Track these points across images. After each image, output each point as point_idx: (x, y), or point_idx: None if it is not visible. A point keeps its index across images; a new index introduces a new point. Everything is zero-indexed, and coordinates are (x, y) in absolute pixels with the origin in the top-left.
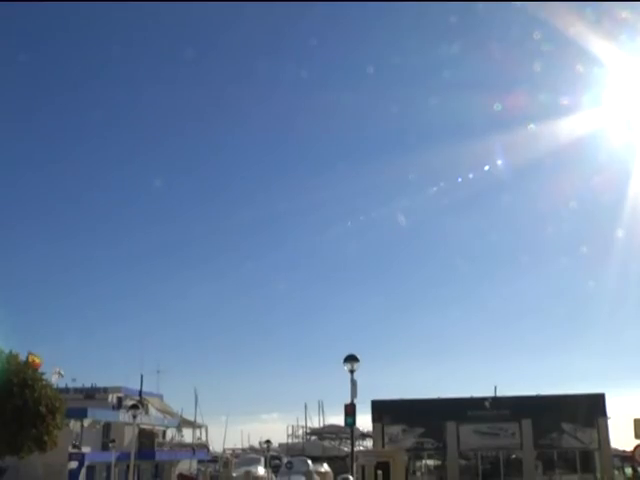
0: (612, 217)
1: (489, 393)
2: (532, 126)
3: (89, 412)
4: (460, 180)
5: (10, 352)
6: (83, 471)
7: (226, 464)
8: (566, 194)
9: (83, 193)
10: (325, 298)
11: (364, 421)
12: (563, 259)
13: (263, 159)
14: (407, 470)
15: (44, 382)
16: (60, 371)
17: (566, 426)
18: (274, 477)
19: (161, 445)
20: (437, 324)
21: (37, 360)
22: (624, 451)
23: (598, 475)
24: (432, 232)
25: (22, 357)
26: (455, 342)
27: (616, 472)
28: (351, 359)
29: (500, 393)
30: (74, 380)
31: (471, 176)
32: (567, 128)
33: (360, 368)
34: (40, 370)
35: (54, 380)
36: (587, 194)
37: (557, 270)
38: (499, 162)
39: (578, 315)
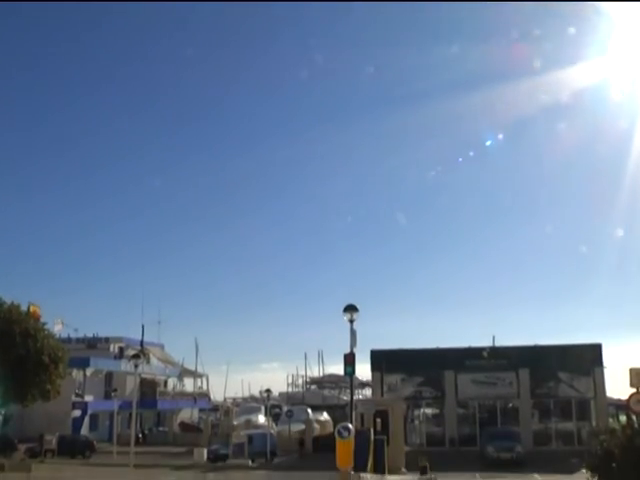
0: (616, 169)
1: (487, 343)
2: (536, 77)
3: (91, 362)
4: (462, 133)
5: (12, 303)
6: (86, 419)
7: (227, 413)
8: (570, 146)
9: (83, 140)
10: (325, 248)
11: (363, 370)
12: (564, 211)
13: (261, 111)
14: (405, 418)
15: (46, 332)
16: (62, 321)
17: (563, 375)
18: (274, 425)
19: (163, 394)
20: (437, 274)
21: (38, 310)
22: (619, 400)
23: (593, 423)
24: (431, 184)
25: (23, 308)
26: (454, 292)
27: (611, 420)
28: (350, 309)
29: (498, 343)
30: (76, 330)
31: (473, 129)
32: (572, 78)
33: (359, 318)
34: (42, 320)
35: (56, 330)
36: (592, 145)
37: (557, 221)
38: (501, 114)
39: (577, 266)
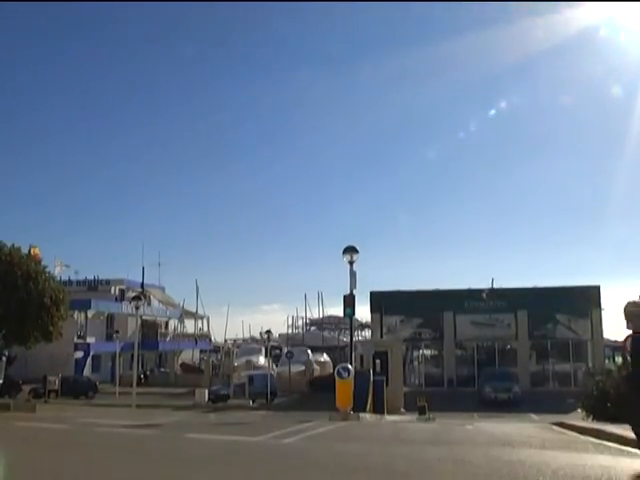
0: (623, 111)
1: (486, 285)
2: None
3: (92, 304)
4: (462, 72)
5: (12, 245)
6: (88, 361)
7: (228, 354)
8: (576, 85)
9: (83, 84)
10: (325, 189)
11: (363, 312)
12: (565, 152)
13: (258, 51)
14: (405, 360)
15: (47, 274)
16: (62, 263)
17: (561, 317)
18: (275, 366)
19: (164, 336)
20: (436, 216)
21: (38, 253)
22: (615, 341)
23: (590, 364)
24: (432, 123)
25: (24, 251)
26: (454, 234)
27: (607, 361)
28: (350, 250)
29: (497, 285)
30: (77, 273)
31: (475, 68)
32: (577, 17)
33: (359, 260)
34: (42, 263)
35: (57, 272)
36: (598, 86)
37: (557, 163)
38: (506, 53)
39: (577, 207)
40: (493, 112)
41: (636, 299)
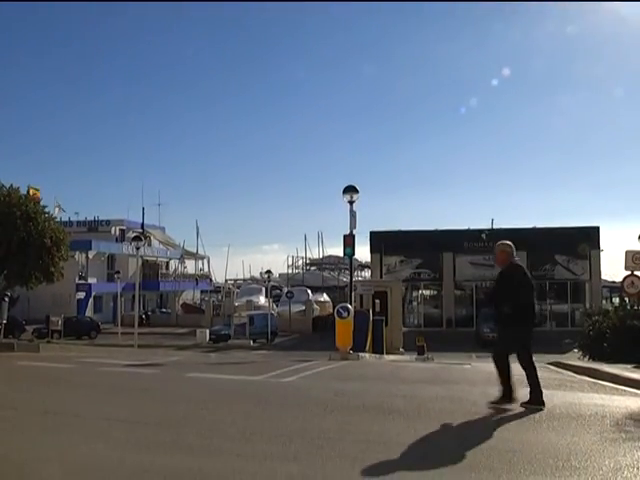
0: (620, 52)
1: (486, 225)
2: None
3: (93, 244)
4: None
5: (11, 186)
6: (90, 301)
7: (228, 294)
8: (576, 31)
9: (81, 31)
10: (325, 128)
11: (363, 252)
12: (565, 93)
13: None
14: (404, 300)
15: (47, 215)
16: (60, 205)
17: (560, 258)
18: (275, 306)
19: (165, 276)
20: (437, 156)
21: (37, 193)
22: (613, 282)
23: (587, 305)
24: (435, 63)
25: (23, 191)
26: (453, 174)
27: (604, 302)
28: (350, 190)
29: (496, 225)
30: (77, 214)
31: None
32: None
33: (359, 200)
34: (41, 204)
35: (56, 214)
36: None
37: (558, 104)
38: None
39: (577, 149)
40: (494, 53)
41: (507, 241)
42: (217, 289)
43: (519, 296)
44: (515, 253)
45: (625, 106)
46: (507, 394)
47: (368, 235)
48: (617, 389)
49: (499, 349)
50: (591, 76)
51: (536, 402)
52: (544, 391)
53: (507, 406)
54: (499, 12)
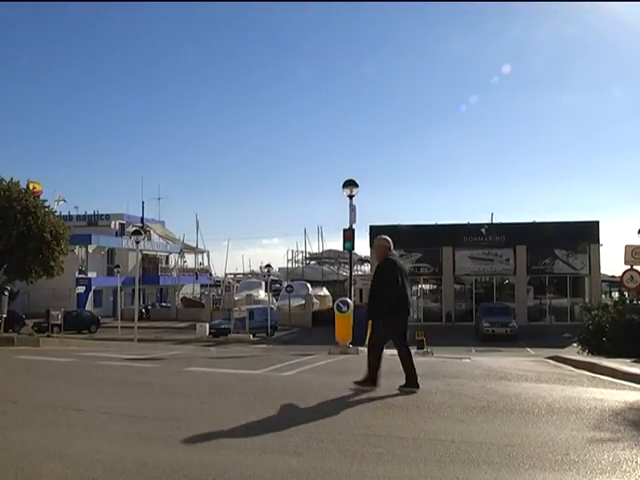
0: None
1: (486, 220)
2: None
3: (93, 238)
4: None
5: (11, 180)
6: (90, 295)
7: (228, 288)
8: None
9: (83, 23)
10: (325, 122)
11: (362, 246)
12: (566, 86)
13: None
14: None
15: (47, 209)
16: (62, 198)
17: (559, 252)
18: (275, 300)
19: (164, 270)
20: (437, 151)
21: (37, 187)
22: (613, 276)
23: (586, 299)
24: (436, 61)
25: (22, 185)
26: (453, 169)
27: (603, 296)
28: (350, 184)
29: (496, 220)
30: (76, 208)
31: None
32: None
33: (359, 194)
34: (41, 198)
35: (56, 207)
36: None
37: (558, 98)
38: None
39: (576, 143)
40: (494, 44)
41: (385, 236)
42: (217, 283)
43: (394, 288)
44: (392, 247)
45: (624, 102)
46: (373, 379)
47: (368, 229)
48: (616, 383)
49: (377, 339)
50: (591, 73)
51: (412, 385)
52: (544, 385)
53: (368, 388)
54: (499, 12)
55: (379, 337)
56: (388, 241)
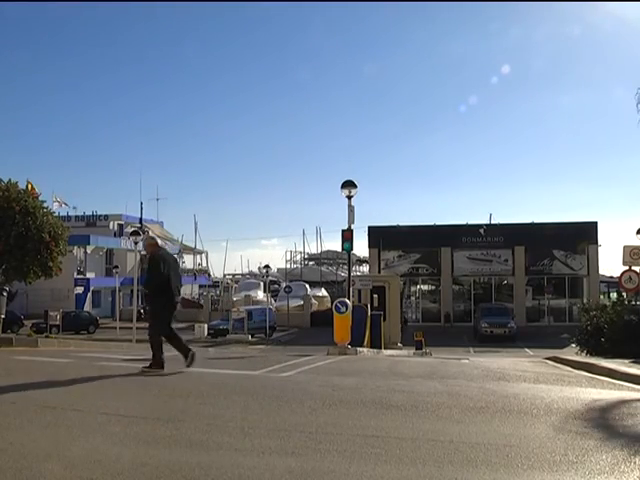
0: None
1: (484, 220)
2: None
3: (91, 239)
4: None
5: (9, 180)
6: (89, 296)
7: (226, 289)
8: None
9: (80, 15)
10: (324, 123)
11: (361, 247)
12: (565, 87)
13: None
14: (402, 295)
15: (45, 210)
16: (60, 199)
17: (558, 253)
18: (273, 301)
19: None
20: (436, 152)
21: (35, 188)
22: (611, 277)
23: (585, 300)
24: (436, 61)
25: (21, 186)
26: (452, 169)
27: (602, 297)
28: (348, 185)
29: (495, 221)
30: (75, 208)
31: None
32: None
33: (358, 195)
34: (40, 198)
35: (55, 208)
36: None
37: (558, 97)
38: None
39: (575, 144)
40: (493, 46)
41: (153, 235)
42: (215, 284)
43: (157, 278)
44: (160, 244)
45: (624, 102)
46: (159, 363)
47: (366, 230)
48: (614, 384)
49: (152, 326)
50: (591, 73)
51: (156, 366)
52: (542, 386)
53: (157, 371)
54: (499, 12)
55: (162, 326)
56: (155, 239)
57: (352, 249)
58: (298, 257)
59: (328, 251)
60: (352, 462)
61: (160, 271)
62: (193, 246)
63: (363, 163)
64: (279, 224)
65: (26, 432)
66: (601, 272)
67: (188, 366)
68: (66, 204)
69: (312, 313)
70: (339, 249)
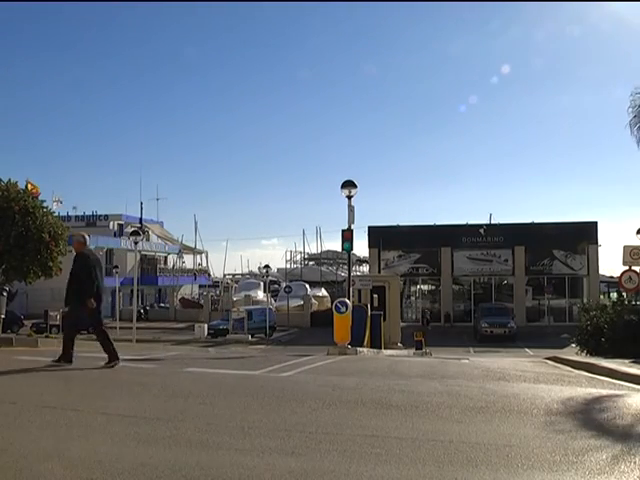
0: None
1: (484, 220)
2: None
3: (91, 239)
4: None
5: (9, 180)
6: None
7: (226, 289)
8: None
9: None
10: (324, 123)
11: (361, 247)
12: (565, 87)
13: None
14: (402, 294)
15: (45, 209)
16: (59, 199)
17: (558, 253)
18: (273, 301)
19: (163, 271)
20: (435, 151)
21: (36, 188)
22: (611, 277)
23: (585, 300)
24: (436, 61)
25: (21, 185)
26: (452, 169)
27: (602, 297)
28: (348, 185)
29: (495, 221)
30: (74, 208)
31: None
32: None
33: (358, 195)
34: (40, 198)
35: (54, 208)
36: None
37: (557, 98)
38: None
39: (575, 144)
40: (491, 45)
41: (82, 233)
42: (215, 284)
43: (82, 276)
44: (88, 242)
45: (624, 102)
46: (67, 356)
47: (366, 230)
48: (614, 384)
49: (68, 321)
50: (591, 73)
51: (64, 360)
52: (542, 386)
53: (65, 365)
54: (499, 12)
55: (77, 320)
56: (84, 237)
57: (352, 249)
58: (298, 257)
59: (328, 251)
60: (352, 462)
61: (89, 270)
62: (193, 246)
63: (363, 163)
64: (279, 224)
65: (26, 432)
66: (601, 272)
67: (103, 366)
68: (60, 202)
69: (312, 313)
70: (339, 249)
